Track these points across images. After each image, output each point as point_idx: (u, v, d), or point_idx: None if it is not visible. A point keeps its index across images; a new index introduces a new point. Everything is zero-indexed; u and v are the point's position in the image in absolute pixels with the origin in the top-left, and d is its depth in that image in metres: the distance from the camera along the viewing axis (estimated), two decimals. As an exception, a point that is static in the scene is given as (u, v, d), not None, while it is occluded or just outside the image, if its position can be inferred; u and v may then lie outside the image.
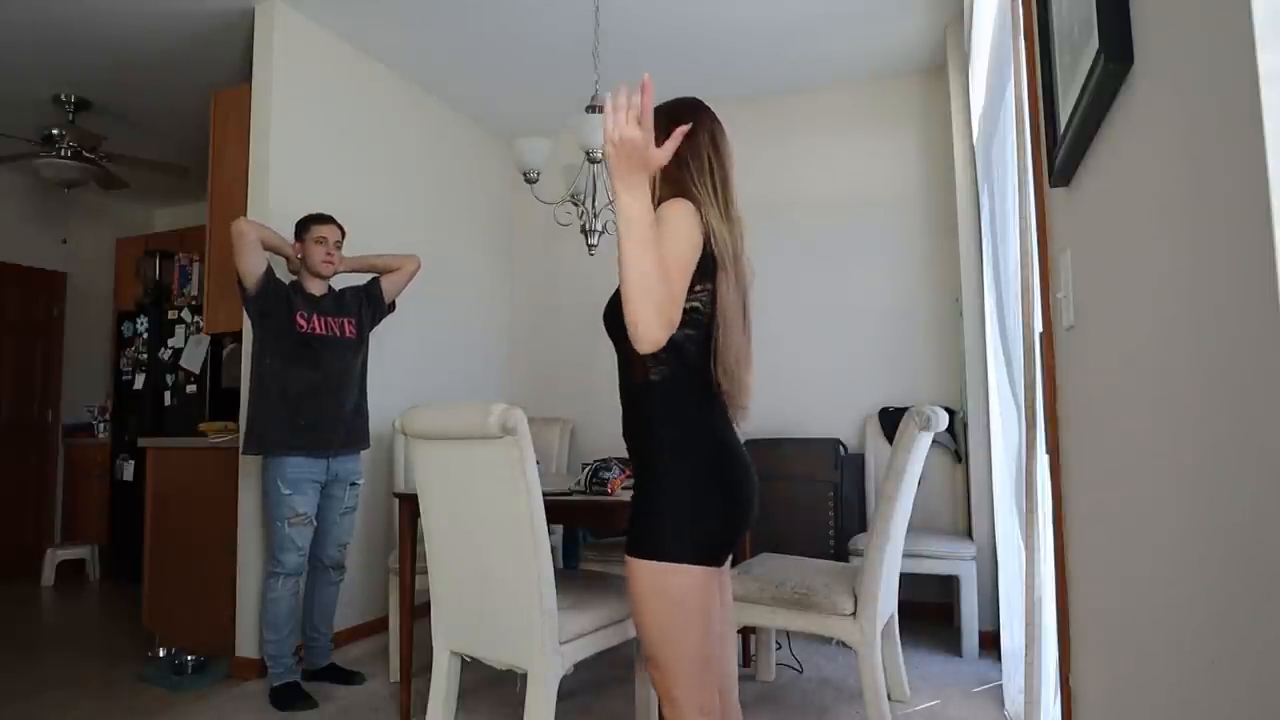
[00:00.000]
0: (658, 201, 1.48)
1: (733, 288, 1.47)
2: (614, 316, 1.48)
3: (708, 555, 1.43)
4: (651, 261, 1.27)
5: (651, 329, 1.26)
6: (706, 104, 1.65)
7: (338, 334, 3.07)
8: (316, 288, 3.08)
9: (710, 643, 1.44)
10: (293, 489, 2.84)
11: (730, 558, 1.57)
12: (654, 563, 1.39)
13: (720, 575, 1.52)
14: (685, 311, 1.38)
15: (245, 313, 3.04)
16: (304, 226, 3.07)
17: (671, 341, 1.33)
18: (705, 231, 1.44)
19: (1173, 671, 0.78)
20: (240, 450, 2.99)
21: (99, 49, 3.72)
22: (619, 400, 1.61)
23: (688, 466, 1.43)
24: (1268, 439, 0.51)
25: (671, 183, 1.54)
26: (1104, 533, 1.09)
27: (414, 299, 4.19)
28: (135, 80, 4.05)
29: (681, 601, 1.39)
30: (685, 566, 1.39)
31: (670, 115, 1.58)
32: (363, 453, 3.16)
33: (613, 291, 1.49)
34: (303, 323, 2.97)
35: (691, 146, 1.57)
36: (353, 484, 3.08)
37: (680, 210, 1.43)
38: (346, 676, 3.04)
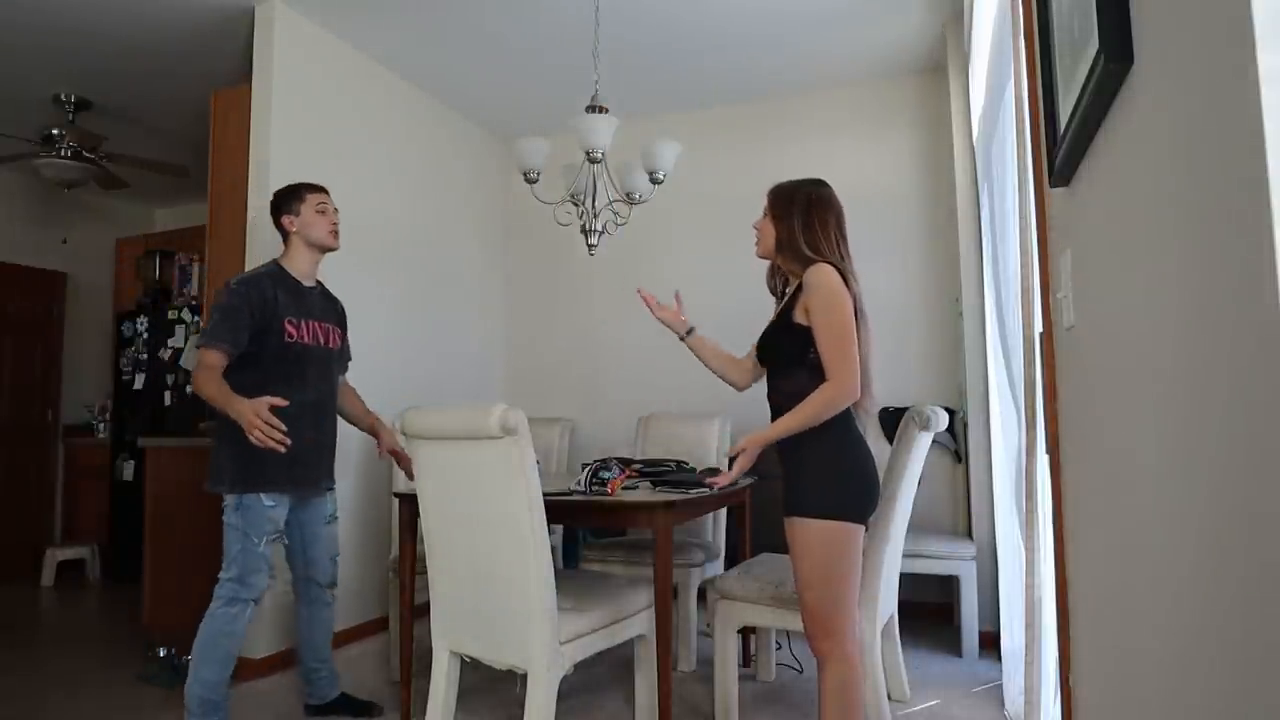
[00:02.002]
0: (795, 252, 1.97)
1: (866, 327, 1.95)
2: (766, 351, 2.05)
3: (864, 516, 1.93)
4: (817, 405, 1.87)
5: (852, 397, 1.87)
6: (815, 179, 2.07)
7: (324, 343, 2.63)
8: (309, 275, 2.65)
9: (858, 585, 1.95)
10: (276, 501, 2.47)
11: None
12: (832, 522, 1.86)
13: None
14: None
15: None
16: (294, 196, 2.62)
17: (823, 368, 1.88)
18: (850, 290, 1.91)
19: (1172, 672, 0.78)
20: (207, 487, 2.50)
21: (99, 49, 3.72)
22: (768, 406, 2.06)
23: (845, 452, 1.92)
24: (1267, 439, 0.51)
25: (810, 245, 1.96)
26: (1104, 533, 1.09)
27: (414, 299, 4.19)
28: (135, 80, 4.05)
29: (851, 550, 1.89)
30: (854, 525, 1.89)
31: (778, 195, 2.05)
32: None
33: (763, 330, 2.08)
34: (291, 330, 2.52)
35: (819, 217, 1.98)
36: (329, 489, 2.70)
37: (833, 280, 1.89)
38: (364, 709, 2.71)
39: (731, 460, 2.12)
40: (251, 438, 2.28)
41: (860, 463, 1.93)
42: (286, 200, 2.63)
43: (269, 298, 2.50)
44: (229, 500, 2.44)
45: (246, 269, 3.31)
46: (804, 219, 1.98)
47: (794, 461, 1.96)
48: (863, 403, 1.96)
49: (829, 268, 1.92)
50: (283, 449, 2.31)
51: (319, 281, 2.72)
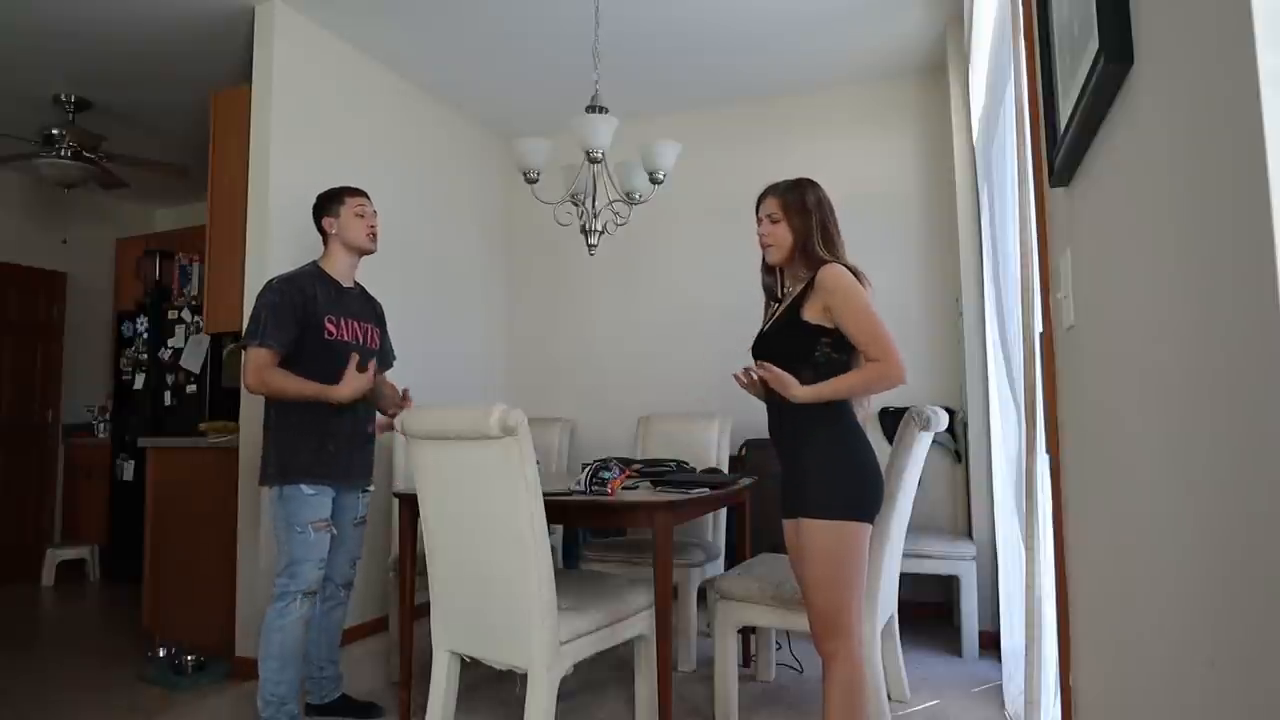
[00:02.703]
0: (812, 253, 1.96)
1: None
2: (774, 348, 2.00)
3: (873, 514, 1.92)
4: (849, 382, 1.87)
5: (900, 378, 1.85)
6: (810, 179, 2.07)
7: (362, 341, 2.67)
8: (348, 276, 2.70)
9: (864, 586, 1.96)
10: (317, 490, 2.49)
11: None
12: (841, 522, 1.85)
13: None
14: (841, 347, 1.91)
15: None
16: (335, 199, 2.68)
17: (829, 366, 1.90)
18: (864, 288, 1.93)
19: (1172, 671, 0.78)
20: (259, 481, 2.61)
21: (99, 49, 3.72)
22: (766, 408, 2.08)
23: (852, 450, 1.92)
24: (1267, 439, 0.51)
25: (825, 246, 1.97)
26: (1104, 533, 1.09)
27: (414, 299, 4.19)
28: (135, 80, 4.05)
29: (860, 550, 1.89)
30: (863, 524, 1.88)
31: (791, 197, 2.02)
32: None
33: (763, 329, 2.08)
34: (331, 328, 2.57)
35: (832, 217, 2.01)
36: (365, 490, 2.72)
37: (850, 277, 1.90)
38: (364, 710, 2.71)
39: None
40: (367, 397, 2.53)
41: (866, 460, 1.92)
42: (327, 203, 2.68)
43: (309, 295, 2.55)
44: (273, 494, 2.50)
45: (246, 268, 3.32)
46: (819, 218, 1.99)
47: (797, 461, 1.95)
48: (865, 402, 1.98)
49: (842, 267, 1.92)
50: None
51: (357, 282, 2.77)
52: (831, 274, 1.90)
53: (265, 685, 2.43)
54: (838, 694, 1.87)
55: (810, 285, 1.94)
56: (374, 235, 2.71)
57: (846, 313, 1.88)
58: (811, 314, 1.92)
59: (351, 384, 2.46)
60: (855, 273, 1.94)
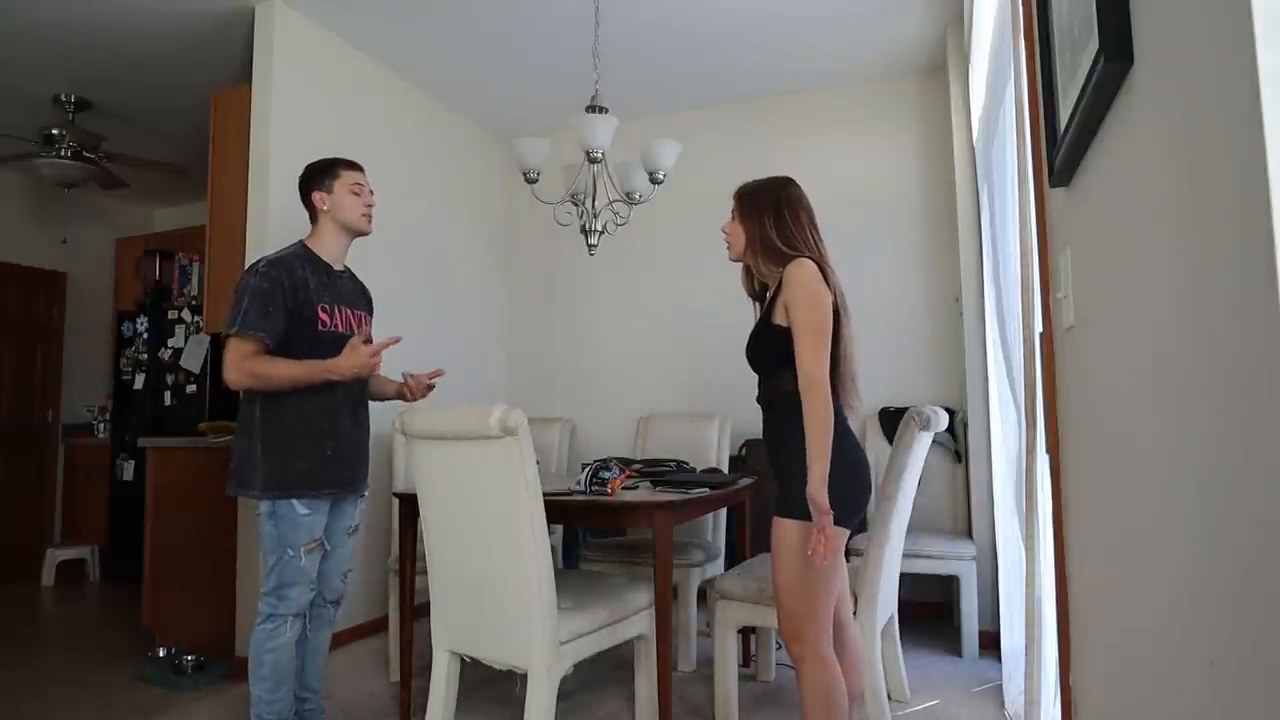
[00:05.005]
0: (772, 250, 1.94)
1: (846, 322, 1.92)
2: (754, 354, 2.00)
3: (849, 519, 1.83)
4: (817, 422, 1.76)
5: (827, 391, 1.79)
6: (782, 177, 2.04)
7: (357, 330, 2.44)
8: (338, 259, 2.44)
9: (835, 590, 1.89)
10: (311, 509, 2.26)
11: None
12: (803, 522, 1.78)
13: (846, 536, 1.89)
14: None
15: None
16: (327, 172, 2.40)
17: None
18: (829, 284, 1.88)
19: (1173, 671, 0.78)
20: (229, 490, 2.33)
21: (99, 49, 3.72)
22: (760, 407, 2.04)
23: (834, 450, 1.78)
24: (1267, 439, 0.51)
25: (784, 240, 1.94)
26: (1104, 533, 1.09)
27: (414, 298, 4.19)
28: (135, 80, 4.05)
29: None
30: (837, 529, 1.76)
31: (745, 196, 2.02)
32: None
33: (749, 333, 2.02)
34: (325, 317, 2.31)
35: (790, 213, 1.96)
36: (362, 495, 2.49)
37: (810, 274, 1.86)
38: None
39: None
40: (373, 372, 2.26)
41: (847, 463, 1.84)
42: (319, 175, 2.41)
43: (300, 281, 2.28)
44: (262, 508, 2.24)
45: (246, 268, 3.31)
46: (774, 215, 1.95)
47: (780, 461, 1.93)
48: (847, 399, 1.92)
49: (808, 262, 1.88)
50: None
51: (347, 266, 2.50)
52: (793, 270, 1.87)
53: (259, 705, 2.24)
54: (811, 696, 1.85)
55: (780, 285, 1.92)
56: (369, 216, 2.43)
57: (794, 321, 1.85)
58: (780, 317, 1.90)
59: (354, 358, 2.18)
60: (822, 269, 1.89)
